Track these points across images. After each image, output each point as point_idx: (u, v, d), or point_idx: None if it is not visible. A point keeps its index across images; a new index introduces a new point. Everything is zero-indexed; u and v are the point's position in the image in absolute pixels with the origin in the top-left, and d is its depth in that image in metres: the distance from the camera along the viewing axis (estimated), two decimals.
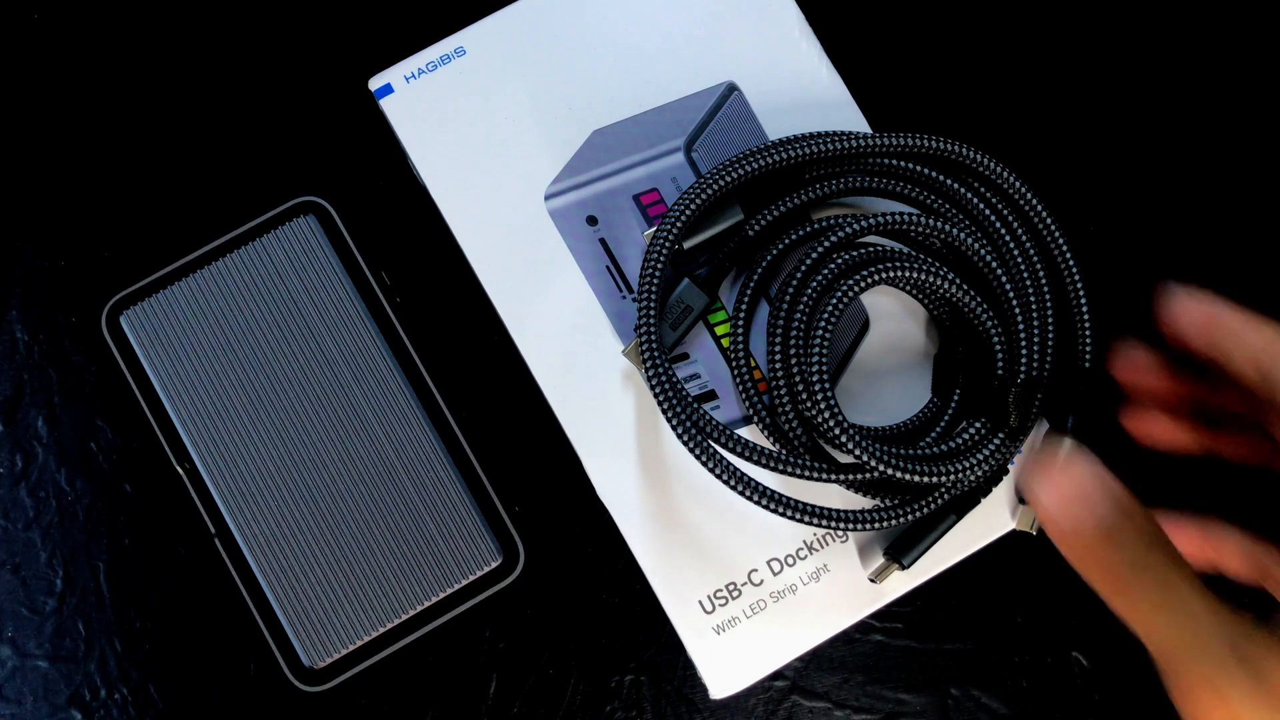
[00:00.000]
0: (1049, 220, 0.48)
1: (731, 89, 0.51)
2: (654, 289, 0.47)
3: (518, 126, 0.51)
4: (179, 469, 0.52)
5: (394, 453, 0.52)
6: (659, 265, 0.47)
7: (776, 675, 0.59)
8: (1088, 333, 0.48)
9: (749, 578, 0.49)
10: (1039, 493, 0.38)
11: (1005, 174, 0.48)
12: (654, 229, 0.47)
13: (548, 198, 0.50)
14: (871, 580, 0.49)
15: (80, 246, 0.62)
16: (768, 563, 0.49)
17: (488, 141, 0.51)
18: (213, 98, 0.63)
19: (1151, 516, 0.37)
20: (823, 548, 0.49)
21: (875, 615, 0.59)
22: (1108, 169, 0.62)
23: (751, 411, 0.48)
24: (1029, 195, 0.48)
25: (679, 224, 0.47)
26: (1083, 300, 0.48)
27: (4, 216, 0.63)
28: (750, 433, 0.50)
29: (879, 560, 0.49)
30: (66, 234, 0.62)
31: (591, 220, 0.50)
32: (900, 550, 0.48)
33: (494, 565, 0.52)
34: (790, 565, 0.49)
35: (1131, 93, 0.62)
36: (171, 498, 0.60)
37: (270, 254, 0.53)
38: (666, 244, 0.47)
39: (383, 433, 0.52)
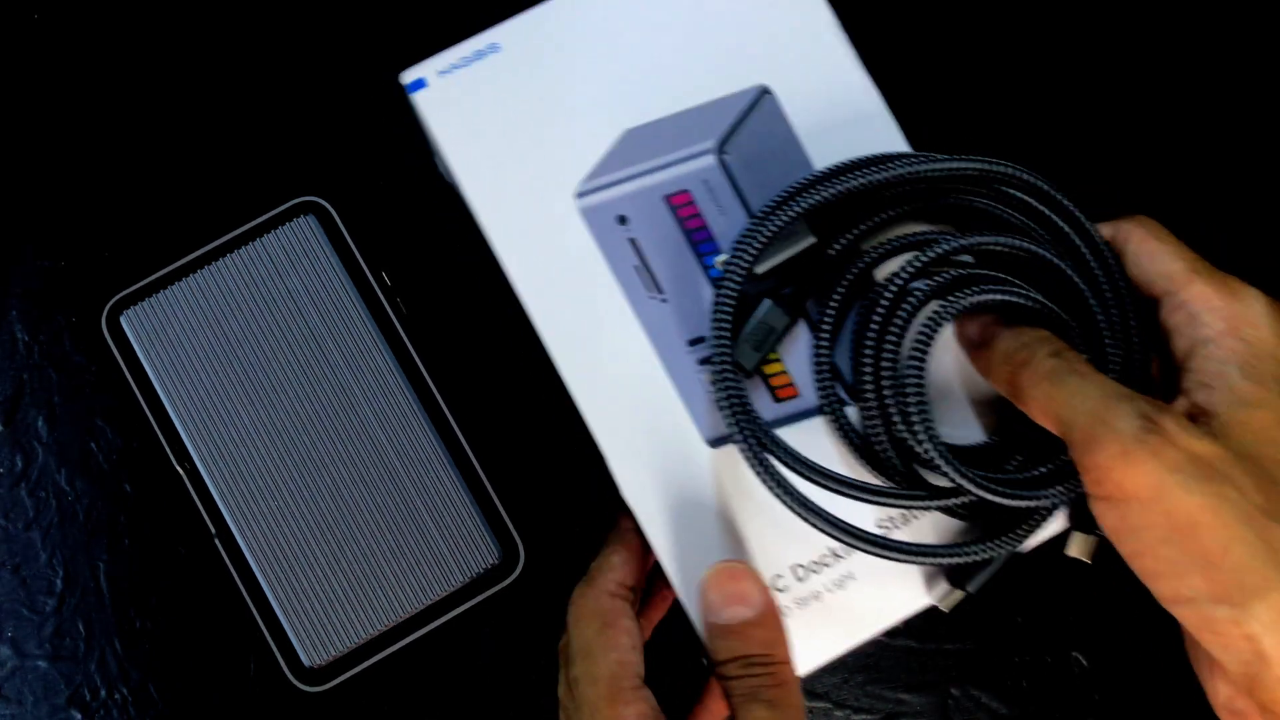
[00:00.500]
0: (1101, 242, 0.46)
1: (764, 92, 0.50)
2: (727, 319, 0.46)
3: (550, 124, 0.51)
4: (179, 469, 0.52)
5: (394, 453, 0.52)
6: (733, 293, 0.46)
7: None
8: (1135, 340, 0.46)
9: (774, 583, 0.49)
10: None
11: (1072, 206, 0.47)
12: (726, 256, 0.46)
13: (578, 196, 0.50)
14: (940, 608, 0.48)
15: (80, 246, 0.62)
16: (792, 568, 0.49)
17: (520, 138, 0.51)
18: (213, 98, 0.63)
19: (1053, 337, 0.43)
20: (848, 555, 0.49)
21: None
22: (1123, 172, 0.62)
23: (845, 441, 0.47)
24: (1089, 226, 0.47)
25: (753, 249, 0.45)
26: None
27: (4, 216, 0.63)
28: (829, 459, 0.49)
29: (941, 586, 0.48)
30: (67, 234, 0.62)
31: (622, 219, 0.50)
32: (964, 576, 0.48)
33: (494, 565, 0.52)
34: (815, 572, 0.49)
35: (1150, 93, 0.63)
36: (171, 498, 0.60)
37: (270, 254, 0.53)
38: (739, 271, 0.46)
39: (383, 433, 0.52)
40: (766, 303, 0.48)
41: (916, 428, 0.44)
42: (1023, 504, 0.44)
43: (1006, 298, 0.45)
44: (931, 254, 0.45)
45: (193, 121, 0.63)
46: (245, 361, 0.52)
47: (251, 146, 0.62)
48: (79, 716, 0.60)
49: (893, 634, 0.59)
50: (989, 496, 0.44)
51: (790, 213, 0.46)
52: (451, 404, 0.53)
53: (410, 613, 0.51)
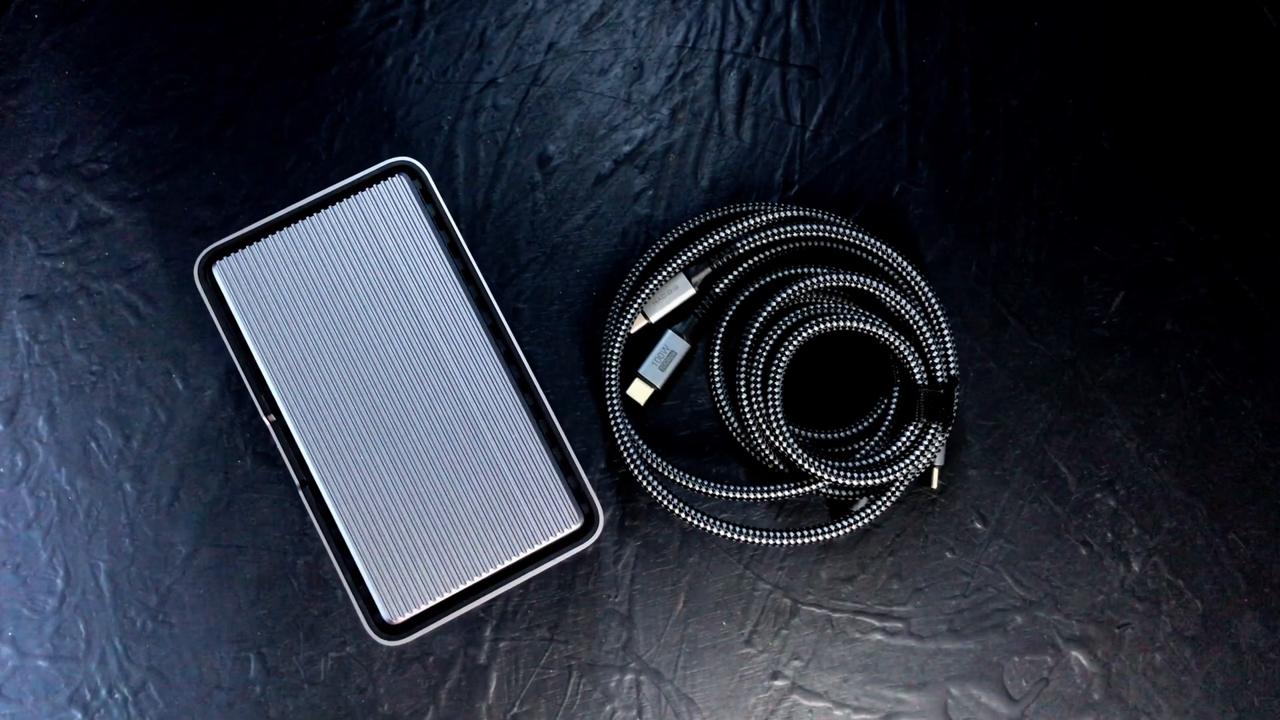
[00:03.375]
0: (911, 269, 0.60)
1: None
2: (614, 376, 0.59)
3: None
4: (266, 420, 0.52)
5: (479, 413, 0.52)
6: (616, 350, 0.60)
7: (776, 675, 0.60)
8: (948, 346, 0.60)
9: None
10: None
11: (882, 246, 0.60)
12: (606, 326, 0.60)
13: None
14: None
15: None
16: None
17: None
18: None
19: None
20: None
21: (875, 615, 0.60)
22: None
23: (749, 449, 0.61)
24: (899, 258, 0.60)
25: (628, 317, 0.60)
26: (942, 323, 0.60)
27: (6, 215, 0.63)
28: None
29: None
30: (69, 232, 0.62)
31: None
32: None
33: (574, 528, 0.52)
34: None
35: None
36: (175, 497, 0.60)
37: (362, 212, 0.53)
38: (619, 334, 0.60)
39: (469, 392, 0.52)
40: (669, 333, 0.62)
41: (785, 440, 0.58)
42: (881, 481, 0.58)
43: (847, 325, 0.59)
44: (776, 300, 0.60)
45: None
46: (334, 316, 0.52)
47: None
48: (79, 716, 0.59)
49: (893, 634, 0.60)
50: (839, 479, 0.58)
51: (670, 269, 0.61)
52: (536, 368, 0.54)
53: (490, 571, 0.51)
